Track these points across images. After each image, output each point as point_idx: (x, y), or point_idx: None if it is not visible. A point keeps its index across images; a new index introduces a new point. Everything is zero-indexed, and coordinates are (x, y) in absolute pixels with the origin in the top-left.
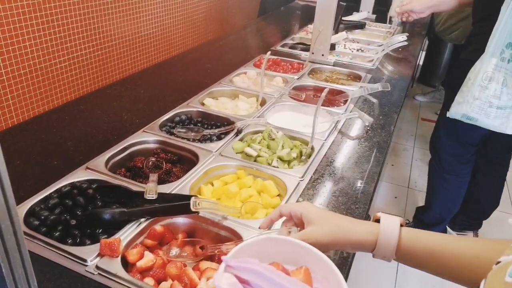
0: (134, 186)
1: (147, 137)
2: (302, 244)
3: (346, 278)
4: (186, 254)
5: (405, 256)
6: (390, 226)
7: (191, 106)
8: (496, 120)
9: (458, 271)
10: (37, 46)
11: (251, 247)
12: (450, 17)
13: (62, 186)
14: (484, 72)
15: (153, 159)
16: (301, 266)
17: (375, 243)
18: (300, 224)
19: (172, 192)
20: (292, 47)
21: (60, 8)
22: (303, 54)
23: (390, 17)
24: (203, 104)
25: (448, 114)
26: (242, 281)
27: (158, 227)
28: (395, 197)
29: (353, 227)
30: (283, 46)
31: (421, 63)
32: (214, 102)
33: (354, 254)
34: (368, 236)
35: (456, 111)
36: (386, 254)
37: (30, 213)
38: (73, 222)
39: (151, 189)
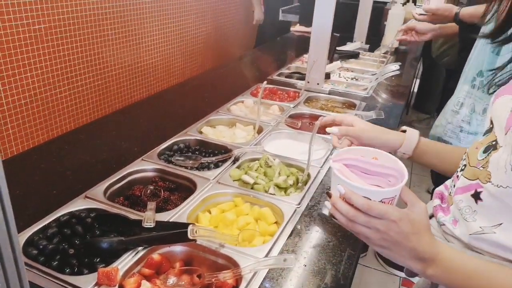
0: (132, 214)
1: (146, 166)
2: (372, 149)
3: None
4: (183, 283)
5: (419, 153)
6: (413, 133)
7: (189, 134)
8: (468, 145)
9: (454, 160)
10: (38, 77)
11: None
12: (445, 42)
13: (61, 215)
14: (456, 98)
15: (151, 187)
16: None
17: (401, 143)
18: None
19: (170, 220)
20: (288, 76)
21: (61, 40)
22: (299, 83)
23: (386, 51)
24: (201, 132)
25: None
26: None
27: (155, 256)
28: None
29: (388, 131)
30: (279, 75)
31: (415, 90)
32: (212, 130)
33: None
34: (397, 137)
35: (433, 134)
36: (407, 150)
37: (29, 242)
38: (71, 251)
39: (149, 218)
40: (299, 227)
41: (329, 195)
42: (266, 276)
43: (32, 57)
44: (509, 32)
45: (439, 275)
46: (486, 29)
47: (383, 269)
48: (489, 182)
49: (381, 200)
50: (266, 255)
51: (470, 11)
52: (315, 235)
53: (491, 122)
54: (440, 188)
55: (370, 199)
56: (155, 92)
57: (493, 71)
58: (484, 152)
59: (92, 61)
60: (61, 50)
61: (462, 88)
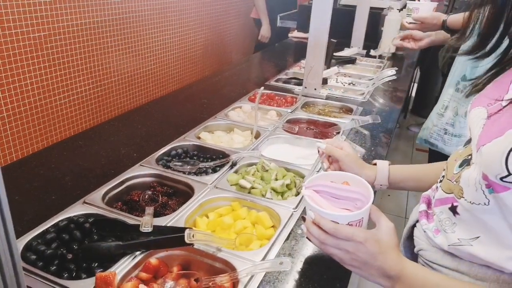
0: (130, 219)
1: (144, 171)
2: (343, 173)
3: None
4: (180, 287)
5: (394, 182)
6: (383, 164)
7: (187, 140)
8: (452, 147)
9: (430, 180)
10: (37, 84)
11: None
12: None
13: (59, 221)
14: (442, 101)
15: (149, 192)
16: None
17: (375, 176)
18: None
19: (168, 225)
20: (286, 81)
21: (60, 47)
22: (297, 88)
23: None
24: (199, 138)
25: (416, 140)
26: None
27: (153, 260)
28: None
29: (367, 166)
30: (277, 81)
31: (413, 94)
32: (210, 135)
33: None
34: (371, 171)
35: (421, 136)
36: (382, 181)
37: (27, 247)
38: (70, 256)
39: (147, 222)
40: (296, 230)
41: (304, 220)
42: (263, 279)
43: (32, 64)
44: (488, 48)
45: None
46: (465, 46)
47: None
48: (462, 197)
49: (348, 223)
50: (263, 259)
51: (456, 18)
52: None
53: (470, 132)
54: (428, 192)
55: (338, 223)
56: (154, 98)
57: (473, 80)
58: (460, 166)
59: (91, 68)
60: (60, 57)
61: (447, 92)
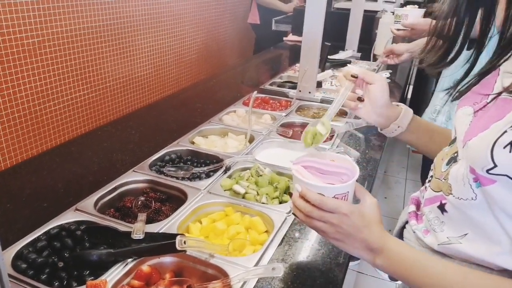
0: (123, 226)
1: (137, 177)
2: (328, 153)
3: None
4: None
5: (412, 128)
6: (408, 109)
7: (181, 145)
8: None
9: (442, 141)
10: (31, 90)
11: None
12: None
13: (51, 228)
14: (433, 106)
15: (142, 198)
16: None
17: (397, 116)
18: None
19: (160, 231)
20: (280, 85)
21: (54, 53)
22: (291, 92)
23: (375, 55)
24: (193, 142)
25: (407, 145)
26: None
27: (145, 267)
28: (389, 230)
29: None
30: (271, 84)
31: (409, 96)
32: (203, 140)
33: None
34: (394, 111)
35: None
36: (402, 124)
37: (18, 256)
38: (61, 264)
39: (138, 229)
40: (289, 235)
41: (290, 195)
42: (256, 285)
43: (26, 70)
44: (448, 59)
45: (385, 264)
46: (429, 57)
47: (378, 276)
48: (451, 194)
49: (334, 196)
50: (256, 264)
51: None
52: (305, 243)
53: (455, 132)
54: (417, 194)
55: (324, 195)
56: (149, 103)
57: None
58: (447, 164)
59: (85, 74)
60: (54, 63)
61: (438, 96)
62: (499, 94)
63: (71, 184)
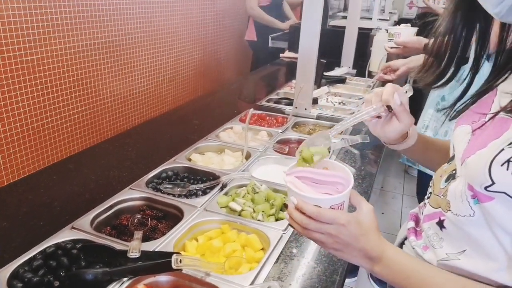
0: (119, 244)
1: (133, 194)
2: (324, 160)
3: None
4: None
5: (417, 147)
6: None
7: (178, 162)
8: None
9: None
10: (29, 107)
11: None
12: None
13: (47, 247)
14: (422, 121)
15: (139, 216)
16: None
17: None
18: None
19: (156, 250)
20: (277, 102)
21: (52, 70)
22: (287, 109)
23: (370, 71)
24: (189, 159)
25: (399, 159)
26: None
27: (140, 286)
28: None
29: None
30: (268, 101)
31: None
32: (200, 157)
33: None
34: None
35: (400, 156)
36: (408, 143)
37: (14, 275)
38: (56, 283)
39: (134, 248)
40: (285, 253)
41: (286, 206)
42: None
43: (24, 87)
44: (447, 76)
45: (384, 273)
46: (425, 77)
47: None
48: (449, 211)
49: (330, 207)
50: (252, 283)
51: None
52: (301, 261)
53: (454, 149)
54: (415, 210)
55: (320, 207)
56: (146, 120)
57: (458, 103)
58: (446, 181)
59: (83, 90)
60: (52, 80)
61: (427, 112)
62: (497, 113)
63: (68, 202)
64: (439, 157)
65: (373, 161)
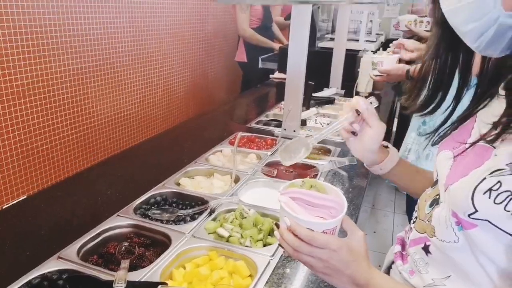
0: (105, 274)
1: (121, 222)
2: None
3: None
4: None
5: (395, 172)
6: (394, 153)
7: (167, 187)
8: None
9: (423, 183)
10: (18, 131)
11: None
12: None
13: (33, 278)
14: (405, 144)
15: (126, 244)
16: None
17: (382, 159)
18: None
19: (143, 279)
20: (266, 123)
21: (43, 94)
22: (276, 130)
23: (358, 92)
24: (178, 184)
25: (385, 180)
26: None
27: None
28: (379, 266)
29: (381, 149)
30: (257, 122)
31: (394, 129)
32: (189, 181)
33: None
34: (382, 153)
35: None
36: (385, 168)
37: None
38: None
39: (120, 278)
40: (272, 279)
41: (277, 226)
42: None
43: (14, 111)
44: (433, 104)
45: None
46: (413, 105)
47: None
48: (434, 236)
49: (323, 231)
50: None
51: (418, 69)
52: (288, 287)
53: (437, 174)
54: (402, 234)
55: (313, 230)
56: (137, 143)
57: (441, 129)
58: (430, 206)
59: (73, 114)
60: (42, 103)
61: (410, 135)
62: (477, 141)
63: (55, 230)
64: (420, 183)
65: (361, 184)
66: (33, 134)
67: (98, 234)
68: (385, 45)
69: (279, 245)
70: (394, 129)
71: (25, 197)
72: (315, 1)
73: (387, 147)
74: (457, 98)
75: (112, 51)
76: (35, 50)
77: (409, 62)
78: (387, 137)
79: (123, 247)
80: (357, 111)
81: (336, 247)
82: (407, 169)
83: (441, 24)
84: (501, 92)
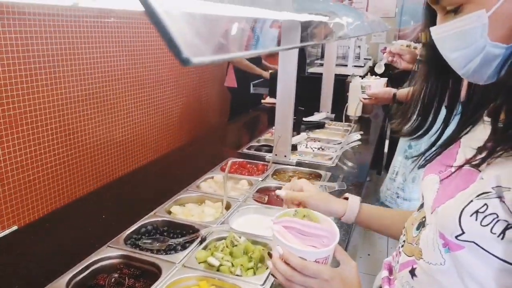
0: None
1: (111, 253)
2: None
3: None
4: None
5: (362, 220)
6: (355, 201)
7: (158, 215)
8: (405, 209)
9: (396, 225)
10: (10, 161)
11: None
12: None
13: None
14: (393, 167)
15: (116, 275)
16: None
17: (344, 211)
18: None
19: None
20: (258, 149)
21: (35, 123)
22: (267, 156)
23: (347, 116)
24: (169, 212)
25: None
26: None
27: None
28: None
29: (333, 199)
30: (249, 148)
31: (386, 151)
32: (180, 209)
33: None
34: (340, 205)
35: (378, 199)
36: (349, 219)
37: None
38: None
39: None
40: None
41: (270, 256)
42: None
43: (6, 141)
44: (424, 128)
45: None
46: (403, 130)
47: None
48: (421, 258)
49: (315, 260)
50: None
51: (404, 92)
52: None
53: (423, 198)
54: (389, 259)
55: (306, 259)
56: (130, 170)
57: (427, 153)
58: (417, 229)
59: (64, 142)
60: (31, 134)
61: (397, 159)
62: (462, 165)
63: (44, 263)
64: (394, 226)
65: None
66: (24, 163)
67: (88, 266)
68: (372, 70)
69: (272, 274)
70: (386, 150)
71: (16, 227)
72: (301, 46)
73: (347, 198)
74: (445, 123)
75: (105, 80)
76: (27, 81)
77: (405, 70)
78: (378, 159)
79: (113, 279)
80: (277, 196)
81: (328, 276)
82: (374, 214)
83: (431, 50)
84: (486, 118)
